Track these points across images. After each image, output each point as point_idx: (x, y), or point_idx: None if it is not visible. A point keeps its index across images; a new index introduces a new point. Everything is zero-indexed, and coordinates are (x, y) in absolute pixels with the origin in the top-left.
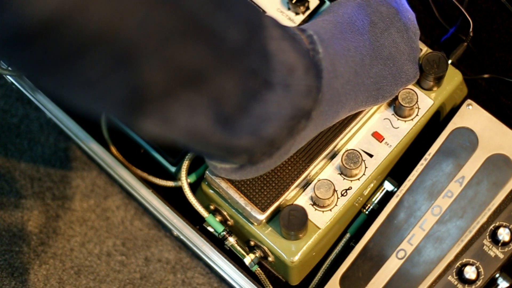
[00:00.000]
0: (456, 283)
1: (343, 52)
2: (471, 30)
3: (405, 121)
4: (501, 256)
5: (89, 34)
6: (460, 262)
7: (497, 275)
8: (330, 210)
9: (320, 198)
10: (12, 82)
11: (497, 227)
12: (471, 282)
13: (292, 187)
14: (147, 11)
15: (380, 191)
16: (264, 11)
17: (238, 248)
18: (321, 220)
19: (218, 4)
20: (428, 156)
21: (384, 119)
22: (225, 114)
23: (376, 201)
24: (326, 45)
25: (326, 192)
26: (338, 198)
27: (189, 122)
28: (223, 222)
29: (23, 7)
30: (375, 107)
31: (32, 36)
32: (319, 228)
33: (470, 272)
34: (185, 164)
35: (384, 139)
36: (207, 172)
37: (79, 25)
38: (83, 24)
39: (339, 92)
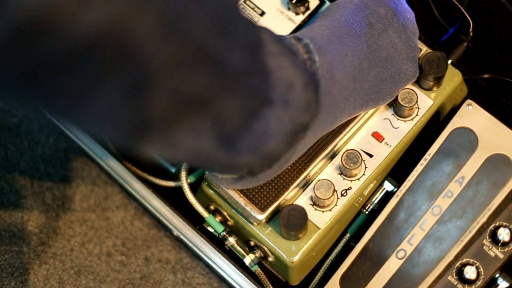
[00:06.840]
0: (456, 283)
1: (341, 58)
2: (471, 30)
3: (405, 121)
4: (501, 256)
5: (102, 66)
6: (460, 262)
7: (497, 275)
8: (330, 210)
9: (320, 198)
10: None
11: (497, 227)
12: (471, 282)
13: (292, 187)
14: (158, 43)
15: (380, 191)
16: (264, 12)
17: (238, 248)
18: (321, 220)
19: (222, 31)
20: (428, 156)
21: (384, 119)
22: (227, 134)
23: (376, 201)
24: (322, 52)
25: (326, 192)
26: (338, 198)
27: (193, 145)
28: (223, 222)
29: (42, 42)
30: None
31: (48, 70)
32: (319, 228)
33: (470, 272)
34: (185, 164)
35: (384, 139)
36: (207, 172)
37: (94, 57)
38: (98, 56)
39: (337, 99)
